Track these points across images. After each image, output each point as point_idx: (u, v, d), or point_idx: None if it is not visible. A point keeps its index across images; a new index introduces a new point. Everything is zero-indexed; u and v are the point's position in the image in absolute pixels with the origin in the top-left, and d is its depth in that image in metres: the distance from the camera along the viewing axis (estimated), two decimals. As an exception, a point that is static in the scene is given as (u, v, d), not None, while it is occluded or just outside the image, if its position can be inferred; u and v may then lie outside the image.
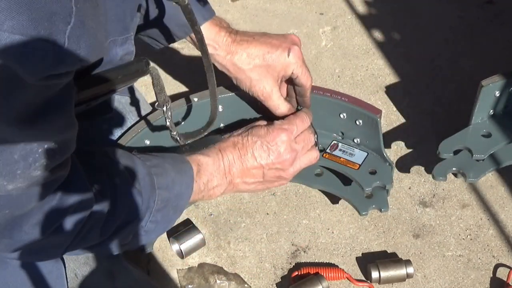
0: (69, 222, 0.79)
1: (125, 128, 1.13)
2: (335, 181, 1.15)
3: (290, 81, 1.09)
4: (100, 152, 0.89)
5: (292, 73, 1.05)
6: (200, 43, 0.90)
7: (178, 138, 0.97)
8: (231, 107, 1.18)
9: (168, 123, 0.94)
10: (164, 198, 0.90)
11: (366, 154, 1.14)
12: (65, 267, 0.94)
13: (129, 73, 0.87)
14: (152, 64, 0.90)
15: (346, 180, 1.14)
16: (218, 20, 1.07)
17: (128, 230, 0.88)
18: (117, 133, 1.12)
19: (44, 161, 0.71)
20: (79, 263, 0.97)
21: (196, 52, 1.47)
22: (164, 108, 0.93)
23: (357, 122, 1.13)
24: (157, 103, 0.94)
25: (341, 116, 1.14)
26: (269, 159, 1.01)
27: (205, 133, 1.03)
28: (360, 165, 1.12)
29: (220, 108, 1.17)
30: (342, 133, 1.17)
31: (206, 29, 1.04)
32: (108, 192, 0.84)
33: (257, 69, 1.04)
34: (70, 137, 0.75)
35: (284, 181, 1.05)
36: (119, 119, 1.14)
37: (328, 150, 1.15)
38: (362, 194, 1.10)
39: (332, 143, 1.16)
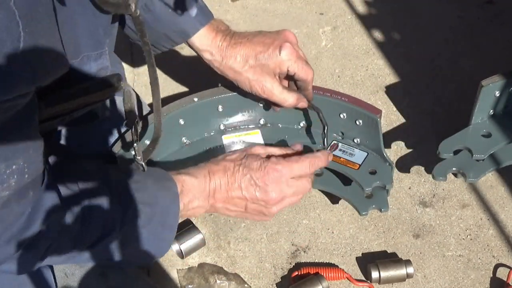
0: (40, 240, 0.79)
1: (125, 128, 1.13)
2: (335, 181, 1.15)
3: (291, 77, 1.09)
4: (78, 166, 0.88)
5: (288, 70, 1.05)
6: (148, 54, 0.86)
7: (141, 163, 0.93)
8: (231, 107, 1.18)
9: (135, 145, 0.91)
10: (147, 214, 0.89)
11: (366, 154, 1.14)
12: (52, 266, 0.94)
13: (98, 89, 0.86)
14: (126, 81, 0.90)
15: (346, 180, 1.14)
16: (215, 24, 1.07)
17: (106, 244, 0.87)
18: (116, 133, 1.12)
19: (12, 181, 0.71)
20: None
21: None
22: (132, 129, 0.91)
23: (357, 122, 1.13)
24: (125, 121, 0.92)
25: (341, 116, 1.14)
26: (254, 195, 0.98)
27: (153, 151, 0.98)
28: (360, 165, 1.12)
29: (220, 108, 1.17)
30: (342, 133, 1.17)
31: (203, 35, 1.05)
32: (82, 206, 0.83)
33: (252, 70, 1.05)
34: (36, 155, 0.75)
35: (266, 217, 1.02)
36: (119, 120, 1.14)
37: (328, 150, 1.15)
38: (362, 194, 1.10)
39: (332, 143, 1.16)
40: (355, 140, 1.15)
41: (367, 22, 1.54)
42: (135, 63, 1.49)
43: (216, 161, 1.01)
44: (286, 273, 1.12)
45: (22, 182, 0.73)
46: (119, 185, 0.88)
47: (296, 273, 1.09)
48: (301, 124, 1.18)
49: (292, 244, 1.16)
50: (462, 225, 1.17)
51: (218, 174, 0.98)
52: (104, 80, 0.88)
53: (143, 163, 0.92)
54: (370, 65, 1.45)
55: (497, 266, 1.11)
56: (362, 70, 1.44)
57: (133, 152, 0.94)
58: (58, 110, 0.81)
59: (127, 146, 1.08)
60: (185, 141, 1.17)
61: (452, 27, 1.51)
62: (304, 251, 1.14)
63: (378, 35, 1.51)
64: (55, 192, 0.81)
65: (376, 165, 1.12)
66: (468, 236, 1.15)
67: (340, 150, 1.15)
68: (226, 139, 1.18)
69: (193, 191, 0.96)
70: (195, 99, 1.15)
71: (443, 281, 1.09)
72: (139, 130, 0.92)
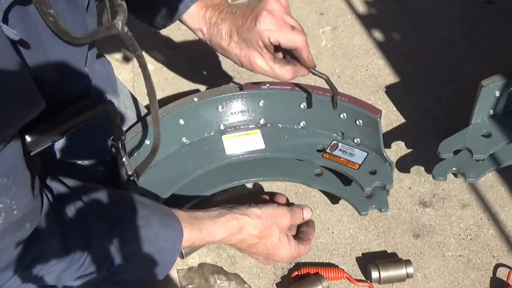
0: (36, 264, 0.79)
1: (124, 128, 1.13)
2: (335, 181, 1.15)
3: (280, 47, 1.02)
4: (80, 190, 0.87)
5: (270, 40, 0.98)
6: (143, 67, 0.86)
7: (133, 177, 0.93)
8: (231, 107, 1.18)
9: (124, 159, 0.90)
10: (145, 253, 0.88)
11: (366, 154, 1.14)
12: None
13: (82, 111, 0.85)
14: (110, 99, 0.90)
15: (346, 180, 1.14)
16: (204, 7, 1.03)
17: (95, 278, 0.86)
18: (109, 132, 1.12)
19: (0, 218, 0.70)
20: None
21: (196, 53, 1.47)
22: (119, 144, 0.91)
23: (357, 122, 1.13)
24: (112, 137, 0.92)
25: (341, 116, 1.14)
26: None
27: (152, 162, 0.98)
28: (360, 165, 1.12)
29: (220, 108, 1.17)
30: (342, 133, 1.17)
31: (194, 13, 1.02)
32: (80, 240, 0.82)
33: (238, 46, 1.01)
34: (24, 191, 0.73)
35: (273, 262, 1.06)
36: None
37: (328, 150, 1.15)
38: (362, 194, 1.10)
39: (332, 143, 1.16)
40: (355, 140, 1.15)
41: (367, 22, 1.54)
42: (135, 64, 1.49)
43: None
44: (286, 273, 1.12)
45: (11, 218, 0.72)
46: (122, 221, 0.87)
47: (296, 273, 1.09)
48: (301, 124, 1.18)
49: (292, 244, 1.16)
50: (462, 225, 1.17)
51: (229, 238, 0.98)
52: (89, 101, 0.87)
53: (136, 178, 0.91)
54: (370, 65, 1.45)
55: (497, 266, 1.11)
56: (362, 70, 1.44)
57: (124, 169, 0.92)
58: (46, 138, 0.80)
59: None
60: (185, 141, 1.17)
61: (452, 27, 1.51)
62: (304, 251, 1.15)
63: (378, 35, 1.51)
64: (53, 223, 0.79)
65: (376, 165, 1.12)
66: (468, 236, 1.15)
67: (340, 150, 1.15)
68: (226, 139, 1.18)
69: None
70: (195, 99, 1.15)
71: (443, 281, 1.09)
72: (126, 146, 0.91)
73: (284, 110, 1.16)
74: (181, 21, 1.05)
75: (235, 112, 1.18)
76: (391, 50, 1.47)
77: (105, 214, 0.86)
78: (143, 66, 0.85)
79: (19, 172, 0.72)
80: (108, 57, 1.50)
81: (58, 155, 1.04)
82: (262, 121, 1.19)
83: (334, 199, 1.20)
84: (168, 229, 0.91)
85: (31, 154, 0.77)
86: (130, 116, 1.16)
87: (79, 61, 0.86)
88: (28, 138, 0.76)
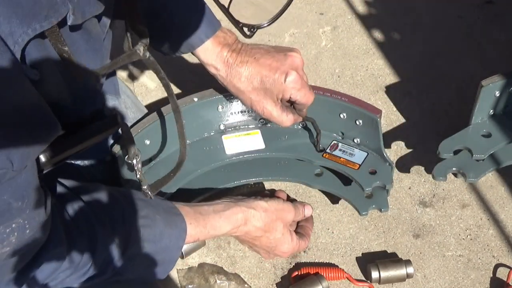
0: (41, 277, 0.79)
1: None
2: (335, 181, 1.15)
3: (292, 101, 1.08)
4: (87, 198, 0.87)
5: (291, 97, 1.05)
6: (166, 88, 0.90)
7: (148, 192, 0.94)
8: (231, 107, 1.18)
9: (138, 176, 0.91)
10: (149, 251, 0.89)
11: (366, 154, 1.14)
12: None
13: (98, 132, 0.87)
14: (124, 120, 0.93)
15: (346, 180, 1.14)
16: (222, 36, 1.05)
17: (99, 280, 0.87)
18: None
19: (12, 238, 0.70)
20: None
21: (196, 52, 1.47)
22: (134, 161, 0.91)
23: (357, 122, 1.13)
24: (127, 156, 0.93)
25: (341, 116, 1.14)
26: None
27: (174, 176, 1.00)
28: (360, 165, 1.12)
29: (220, 108, 1.17)
30: (342, 133, 1.17)
31: (208, 48, 1.03)
32: (85, 249, 0.83)
33: (256, 92, 1.04)
34: (37, 211, 0.73)
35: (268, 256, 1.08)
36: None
37: (328, 150, 1.15)
38: (362, 194, 1.10)
39: (332, 143, 1.16)
40: (355, 140, 1.15)
41: (367, 22, 1.54)
42: (135, 63, 1.49)
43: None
44: (286, 273, 1.12)
45: (23, 237, 0.72)
46: (126, 222, 0.87)
47: (296, 273, 1.09)
48: (301, 124, 1.18)
49: (292, 244, 1.16)
50: (462, 225, 1.17)
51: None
52: (103, 123, 0.88)
53: (150, 192, 0.92)
54: (370, 65, 1.45)
55: (497, 266, 1.11)
56: (362, 70, 1.44)
57: (141, 184, 0.93)
58: (60, 157, 0.80)
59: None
60: None
61: (452, 27, 1.51)
62: (304, 251, 1.14)
63: (378, 35, 1.51)
64: (61, 231, 0.80)
65: (376, 165, 1.12)
66: (468, 236, 1.15)
67: (340, 150, 1.15)
68: (226, 139, 1.18)
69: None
70: (195, 99, 1.15)
71: (443, 281, 1.09)
72: (140, 163, 0.92)
73: None
74: (193, 54, 1.06)
75: (235, 112, 1.18)
76: (391, 50, 1.47)
77: (108, 215, 0.86)
78: (166, 87, 0.91)
79: (33, 194, 0.72)
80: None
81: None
82: (262, 121, 1.19)
83: (334, 199, 1.20)
84: (173, 227, 0.92)
85: (44, 172, 0.78)
86: (131, 117, 1.16)
87: (94, 84, 0.88)
88: (42, 158, 0.76)
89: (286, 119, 1.07)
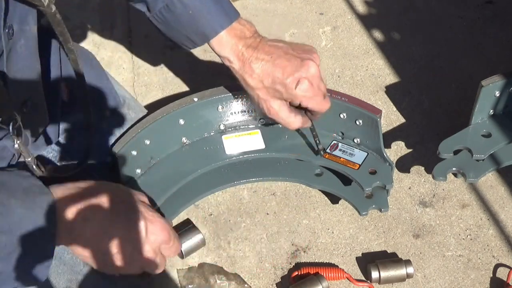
0: None
1: (125, 128, 1.13)
2: (335, 181, 1.15)
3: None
4: None
5: (301, 104, 1.02)
6: (74, 64, 0.84)
7: (34, 166, 0.83)
8: (231, 107, 1.18)
9: (16, 146, 0.82)
10: (6, 243, 0.75)
11: (366, 154, 1.14)
12: None
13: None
14: None
15: (346, 180, 1.14)
16: (240, 28, 1.02)
17: None
18: (116, 133, 1.12)
19: None
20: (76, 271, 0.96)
21: (196, 53, 1.47)
22: (10, 127, 0.80)
23: (357, 122, 1.13)
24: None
25: (341, 116, 1.14)
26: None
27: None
28: (360, 165, 1.12)
29: (220, 108, 1.17)
30: (342, 133, 1.17)
31: (224, 40, 1.00)
32: None
33: (265, 90, 1.02)
34: None
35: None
36: (119, 119, 1.14)
37: (328, 150, 1.15)
38: (362, 194, 1.10)
39: (332, 143, 1.16)
40: (355, 140, 1.15)
41: (367, 22, 1.54)
42: (135, 64, 1.49)
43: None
44: (286, 273, 1.12)
45: None
46: None
47: (296, 273, 1.09)
48: None
49: (292, 244, 1.16)
50: (462, 225, 1.17)
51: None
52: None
53: (36, 167, 0.83)
54: (370, 65, 1.45)
55: (497, 266, 1.11)
56: (362, 70, 1.44)
57: (24, 157, 0.83)
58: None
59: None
60: (185, 141, 1.17)
61: (452, 27, 1.51)
62: (304, 251, 1.14)
63: (378, 35, 1.51)
64: None
65: (376, 165, 1.12)
66: (468, 236, 1.15)
67: (340, 150, 1.15)
68: (226, 139, 1.18)
69: None
70: (195, 99, 1.15)
71: (443, 281, 1.09)
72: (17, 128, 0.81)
73: None
74: (209, 45, 1.03)
75: (235, 112, 1.18)
76: (391, 50, 1.47)
77: None
78: (75, 62, 0.84)
79: None
80: (108, 57, 1.50)
81: (58, 156, 1.04)
82: (262, 121, 1.19)
83: (334, 199, 1.20)
84: (37, 206, 0.78)
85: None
86: (132, 116, 1.16)
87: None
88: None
89: (293, 120, 1.04)
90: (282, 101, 1.03)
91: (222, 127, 1.19)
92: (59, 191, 0.82)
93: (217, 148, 1.17)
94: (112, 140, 1.11)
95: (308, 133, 1.17)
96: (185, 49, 1.06)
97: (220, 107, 1.17)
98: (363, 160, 1.13)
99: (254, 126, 1.19)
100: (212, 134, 1.19)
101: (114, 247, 0.83)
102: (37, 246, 0.77)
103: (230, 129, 1.19)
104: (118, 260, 0.84)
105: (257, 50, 1.01)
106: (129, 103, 1.18)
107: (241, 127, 1.19)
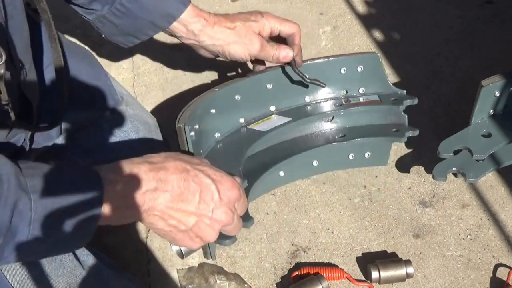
0: None
1: (124, 126, 1.13)
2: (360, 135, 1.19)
3: (277, 37, 1.13)
4: None
5: (271, 30, 1.10)
6: (43, 13, 0.88)
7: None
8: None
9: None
10: (47, 206, 0.70)
11: (377, 96, 1.19)
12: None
13: None
14: None
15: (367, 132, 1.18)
16: (197, 9, 1.09)
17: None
18: (115, 130, 1.12)
19: None
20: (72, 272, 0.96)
21: (196, 53, 1.47)
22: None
23: (359, 69, 1.17)
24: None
25: (342, 71, 1.17)
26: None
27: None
28: (380, 100, 1.18)
29: (237, 97, 1.16)
30: (346, 91, 1.20)
31: (188, 14, 1.07)
32: None
33: (234, 42, 1.08)
34: None
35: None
36: (118, 117, 1.14)
37: (344, 103, 1.19)
38: (387, 146, 1.18)
39: (344, 100, 1.20)
40: (361, 90, 1.20)
41: (367, 22, 1.55)
42: (135, 64, 1.49)
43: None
44: (286, 273, 1.12)
45: None
46: (5, 170, 0.69)
47: (296, 273, 1.09)
48: (307, 99, 1.20)
49: (292, 244, 1.16)
50: (462, 225, 1.17)
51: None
52: None
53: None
54: (370, 65, 1.45)
55: (497, 266, 1.11)
56: (362, 70, 1.44)
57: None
58: None
59: None
60: (217, 136, 1.15)
61: (452, 27, 1.51)
62: (304, 251, 1.15)
63: (378, 35, 1.51)
64: None
65: (391, 97, 1.18)
66: (468, 236, 1.15)
67: (352, 103, 1.19)
68: (252, 127, 1.17)
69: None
70: (216, 89, 1.14)
71: (443, 281, 1.09)
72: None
73: (291, 90, 1.18)
74: (171, 31, 1.09)
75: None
76: (391, 50, 1.47)
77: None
78: (47, 23, 0.89)
79: None
80: (108, 57, 1.50)
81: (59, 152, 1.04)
82: (272, 108, 1.19)
83: (334, 199, 1.20)
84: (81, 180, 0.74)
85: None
86: (131, 113, 1.16)
87: None
88: None
89: (275, 52, 1.11)
90: (256, 35, 1.10)
91: (242, 120, 1.17)
92: (120, 167, 0.78)
93: (247, 135, 1.16)
94: (111, 138, 1.11)
95: (316, 111, 1.19)
96: (138, 40, 1.09)
97: (237, 96, 1.16)
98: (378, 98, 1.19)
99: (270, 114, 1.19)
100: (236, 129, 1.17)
101: (191, 215, 0.82)
102: (79, 216, 0.72)
103: (252, 120, 1.18)
104: (198, 229, 0.83)
105: (216, 15, 1.10)
106: (127, 99, 1.18)
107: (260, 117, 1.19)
